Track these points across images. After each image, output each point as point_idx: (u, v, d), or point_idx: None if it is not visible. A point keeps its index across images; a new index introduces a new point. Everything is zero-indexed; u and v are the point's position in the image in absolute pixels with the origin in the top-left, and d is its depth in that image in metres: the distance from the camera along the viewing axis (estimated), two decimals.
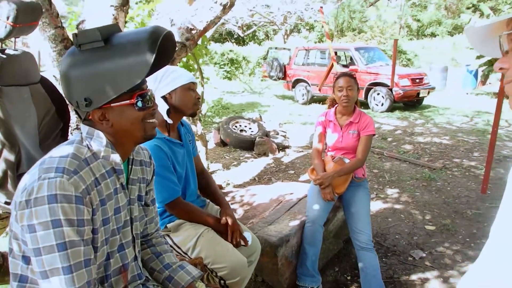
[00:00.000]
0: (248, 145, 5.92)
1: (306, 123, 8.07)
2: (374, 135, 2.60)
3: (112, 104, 1.07)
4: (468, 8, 23.65)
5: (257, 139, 5.85)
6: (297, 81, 11.45)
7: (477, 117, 8.38)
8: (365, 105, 9.60)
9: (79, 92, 1.05)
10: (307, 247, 2.44)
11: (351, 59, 10.57)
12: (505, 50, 0.77)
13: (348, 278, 2.78)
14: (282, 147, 6.05)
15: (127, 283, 1.20)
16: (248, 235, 1.99)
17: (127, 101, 1.09)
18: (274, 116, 8.71)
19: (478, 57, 11.91)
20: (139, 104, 1.11)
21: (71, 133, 2.33)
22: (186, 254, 1.80)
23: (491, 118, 8.07)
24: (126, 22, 3.15)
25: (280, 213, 2.65)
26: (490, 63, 11.69)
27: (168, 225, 1.85)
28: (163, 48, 1.08)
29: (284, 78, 11.97)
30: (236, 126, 6.29)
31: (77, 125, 2.86)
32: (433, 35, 24.44)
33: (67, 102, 2.04)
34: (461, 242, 3.17)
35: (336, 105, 2.69)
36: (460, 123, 7.86)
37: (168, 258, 1.38)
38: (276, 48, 15.18)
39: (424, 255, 2.99)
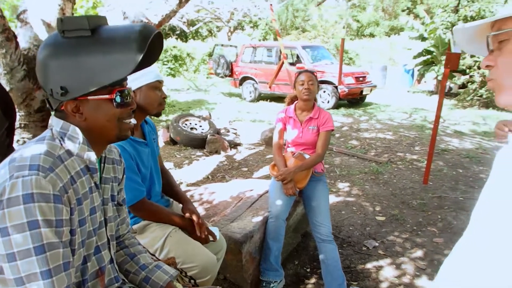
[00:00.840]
0: (199, 143, 5.83)
1: (255, 121, 8.12)
2: (333, 130, 2.67)
3: (89, 97, 1.01)
4: (403, 11, 25.09)
5: (208, 136, 5.78)
6: (244, 78, 11.47)
7: (415, 114, 8.93)
8: None
9: (56, 79, 0.98)
10: (270, 242, 2.45)
11: (297, 57, 10.77)
12: (491, 49, 0.82)
13: (308, 270, 2.84)
14: (234, 145, 6.04)
15: (104, 286, 1.14)
16: (215, 229, 1.97)
17: (106, 96, 1.03)
18: (222, 114, 8.66)
19: (415, 57, 12.74)
20: (118, 100, 1.05)
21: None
22: (153, 255, 1.73)
23: (428, 115, 8.69)
24: (72, 14, 2.97)
25: (242, 210, 2.64)
26: (425, 63, 12.54)
27: (134, 227, 1.78)
28: (151, 48, 1.05)
29: (231, 75, 11.94)
30: (186, 124, 6.18)
31: (20, 123, 2.66)
32: (371, 35, 25.64)
33: (12, 99, 1.89)
34: (409, 230, 3.36)
35: (295, 102, 2.73)
36: (400, 119, 8.33)
37: (143, 259, 1.33)
38: (222, 45, 15.07)
39: (377, 244, 3.13)
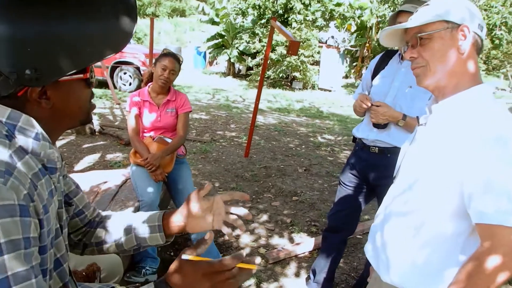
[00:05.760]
0: None
1: None
2: (191, 111, 2.70)
3: (60, 79, 0.77)
4: None
5: None
6: None
7: (217, 94, 9.60)
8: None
9: (25, 59, 0.71)
10: None
11: None
12: (411, 45, 1.09)
13: (172, 254, 2.85)
14: None
15: None
16: None
17: (80, 75, 0.81)
18: None
19: (209, 40, 13.50)
20: (90, 79, 0.86)
21: None
22: None
23: (228, 95, 9.50)
24: None
25: (105, 204, 2.40)
26: (217, 46, 13.47)
27: None
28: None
29: None
30: None
31: None
32: (154, 15, 25.50)
33: None
34: (250, 199, 3.73)
35: (149, 84, 2.62)
36: (206, 99, 8.82)
37: (126, 220, 1.16)
38: None
39: None
